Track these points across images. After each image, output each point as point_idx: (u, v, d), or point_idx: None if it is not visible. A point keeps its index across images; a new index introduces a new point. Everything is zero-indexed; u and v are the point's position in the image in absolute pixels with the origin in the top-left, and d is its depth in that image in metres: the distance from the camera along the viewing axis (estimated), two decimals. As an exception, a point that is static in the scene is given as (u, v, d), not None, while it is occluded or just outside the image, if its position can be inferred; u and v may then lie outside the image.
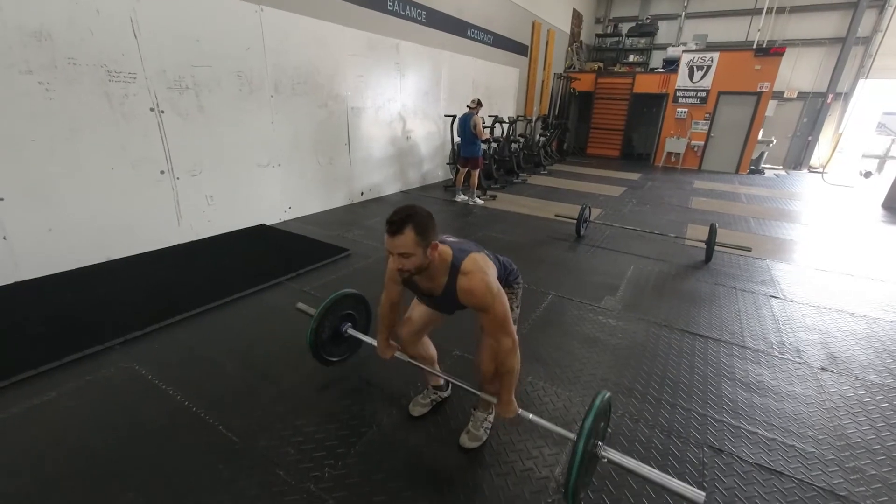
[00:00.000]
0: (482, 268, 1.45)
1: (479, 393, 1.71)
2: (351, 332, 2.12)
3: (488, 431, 1.86)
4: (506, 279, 1.68)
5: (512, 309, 1.64)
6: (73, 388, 2.09)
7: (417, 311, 1.80)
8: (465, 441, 1.81)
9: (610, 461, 1.43)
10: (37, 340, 2.39)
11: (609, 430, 1.74)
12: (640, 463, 1.42)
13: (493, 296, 1.42)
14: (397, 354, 1.87)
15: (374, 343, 1.93)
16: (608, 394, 1.48)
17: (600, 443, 1.46)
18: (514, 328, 1.52)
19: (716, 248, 4.23)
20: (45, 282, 3.07)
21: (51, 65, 2.93)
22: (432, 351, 1.94)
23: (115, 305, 2.82)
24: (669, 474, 1.73)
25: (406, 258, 1.36)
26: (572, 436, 1.42)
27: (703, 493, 1.27)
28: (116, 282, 3.17)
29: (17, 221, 2.97)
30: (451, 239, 1.57)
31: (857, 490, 1.71)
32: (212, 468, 1.68)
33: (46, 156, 3.01)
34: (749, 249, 4.34)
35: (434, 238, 1.41)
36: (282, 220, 4.94)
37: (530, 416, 1.60)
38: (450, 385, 2.10)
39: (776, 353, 2.67)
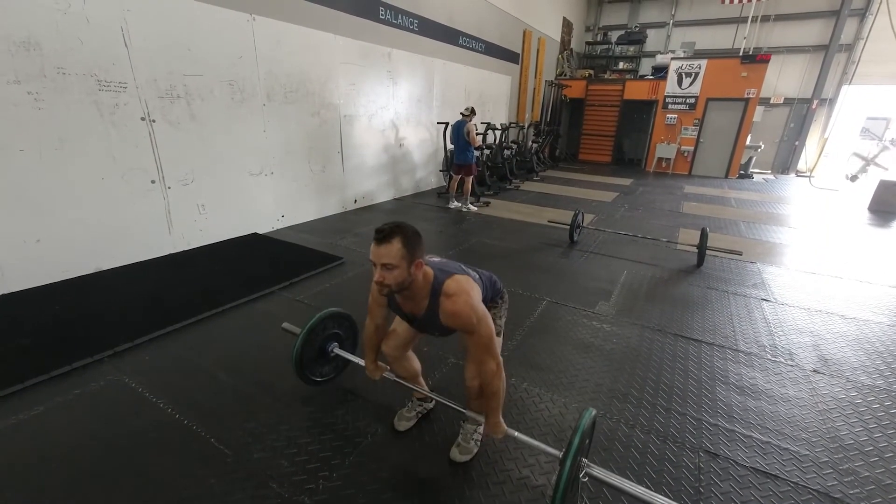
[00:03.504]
0: (466, 289, 1.44)
1: (465, 412, 1.72)
2: (337, 351, 2.10)
3: (479, 443, 1.84)
4: (491, 297, 1.70)
5: (496, 322, 1.65)
6: (62, 402, 2.05)
7: (402, 325, 1.77)
8: (456, 455, 1.78)
9: (593, 478, 1.42)
10: (23, 354, 2.34)
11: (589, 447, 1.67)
12: (623, 480, 1.41)
13: (478, 318, 1.42)
14: (386, 374, 1.87)
15: (362, 363, 1.92)
16: (594, 412, 1.47)
17: (584, 459, 1.44)
18: (498, 350, 1.52)
19: (707, 252, 4.27)
20: (32, 294, 3.02)
21: (39, 74, 2.90)
22: (417, 365, 1.92)
23: (105, 317, 2.78)
24: (665, 480, 1.74)
25: (389, 271, 1.34)
26: (558, 453, 1.41)
27: None
28: (106, 293, 3.12)
29: (5, 232, 2.92)
30: (434, 259, 1.57)
31: (851, 492, 1.72)
32: (204, 481, 1.65)
33: (35, 166, 2.97)
34: (740, 253, 4.39)
35: (420, 256, 1.40)
36: (274, 229, 4.92)
37: (516, 434, 1.58)
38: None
39: (769, 356, 2.69)
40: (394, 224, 1.36)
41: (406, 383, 1.89)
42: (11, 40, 2.76)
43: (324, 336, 2.08)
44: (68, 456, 1.75)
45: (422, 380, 1.98)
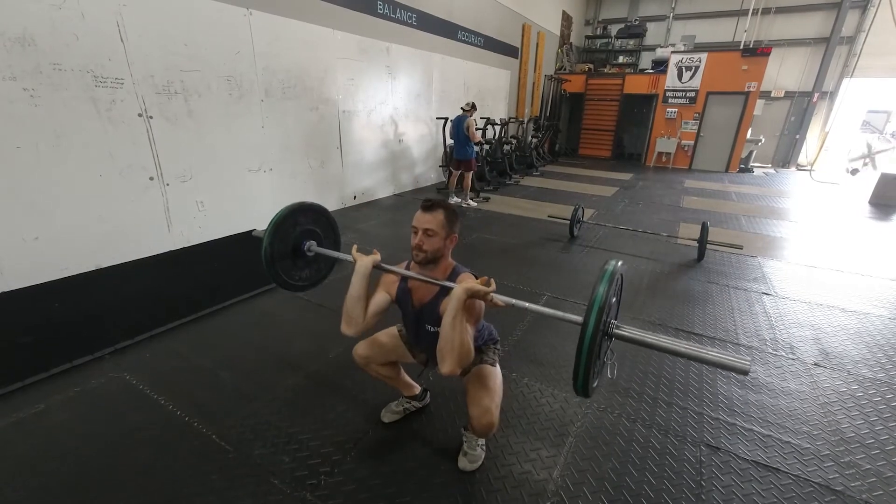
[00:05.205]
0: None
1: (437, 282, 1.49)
2: (316, 249, 1.87)
3: (485, 449, 1.80)
4: (485, 341, 1.72)
5: (492, 357, 1.71)
6: (63, 400, 2.05)
7: (388, 336, 1.77)
8: (465, 464, 1.73)
9: (623, 338, 1.20)
10: (23, 352, 2.34)
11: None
12: (674, 339, 1.16)
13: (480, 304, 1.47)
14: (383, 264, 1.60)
15: (346, 257, 1.69)
16: (621, 264, 1.23)
17: (614, 321, 1.23)
18: (497, 394, 1.61)
19: (708, 246, 4.26)
20: (32, 292, 3.01)
21: (35, 70, 2.88)
22: (394, 368, 1.89)
23: (105, 314, 2.77)
24: (667, 474, 1.74)
25: (429, 237, 1.46)
26: (578, 318, 1.17)
27: (749, 361, 1.05)
28: (106, 290, 3.12)
29: (3, 230, 2.90)
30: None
31: (853, 485, 1.72)
32: (205, 478, 1.65)
33: (32, 163, 2.95)
34: (741, 247, 4.38)
35: (456, 233, 1.53)
36: (274, 225, 4.89)
37: (514, 301, 1.43)
38: (427, 394, 2.06)
39: (770, 350, 2.69)
40: (440, 199, 1.52)
41: (388, 383, 1.90)
42: (6, 36, 2.73)
43: (296, 234, 1.84)
44: (69, 453, 1.75)
45: (406, 378, 1.95)
